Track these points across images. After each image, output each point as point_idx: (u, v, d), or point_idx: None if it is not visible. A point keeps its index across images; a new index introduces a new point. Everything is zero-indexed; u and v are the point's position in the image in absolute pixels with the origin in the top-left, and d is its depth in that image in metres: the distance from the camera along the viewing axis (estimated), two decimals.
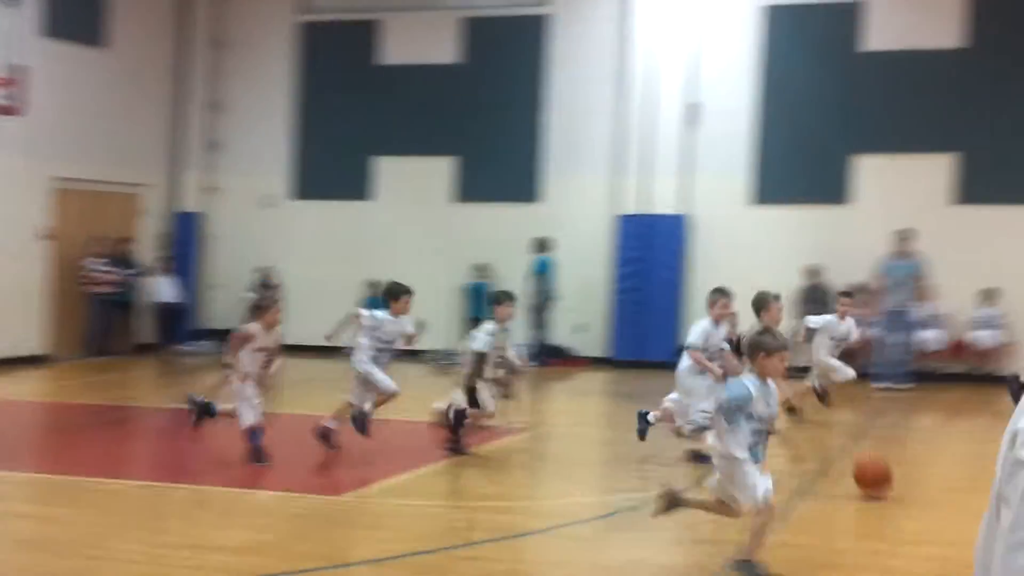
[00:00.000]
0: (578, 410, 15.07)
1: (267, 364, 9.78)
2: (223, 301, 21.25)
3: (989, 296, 17.47)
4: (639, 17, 19.30)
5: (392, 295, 10.45)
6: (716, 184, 18.95)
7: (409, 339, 10.56)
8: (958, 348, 17.54)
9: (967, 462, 11.20)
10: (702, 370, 10.10)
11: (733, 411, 6.50)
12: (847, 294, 13.46)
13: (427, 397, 12.28)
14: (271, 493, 8.95)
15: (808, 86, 18.69)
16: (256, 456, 9.60)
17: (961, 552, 7.68)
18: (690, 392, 10.15)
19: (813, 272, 18.02)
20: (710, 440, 6.82)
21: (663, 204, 19.14)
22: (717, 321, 10.19)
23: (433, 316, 20.02)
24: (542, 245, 18.97)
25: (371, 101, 20.66)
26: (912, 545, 7.89)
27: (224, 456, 10.64)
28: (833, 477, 9.89)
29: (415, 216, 20.49)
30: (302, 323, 20.72)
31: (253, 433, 9.63)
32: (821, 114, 18.60)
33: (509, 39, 20.20)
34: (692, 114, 19.11)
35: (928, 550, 7.77)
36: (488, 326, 10.28)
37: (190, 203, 21.55)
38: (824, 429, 13.34)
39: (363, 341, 10.30)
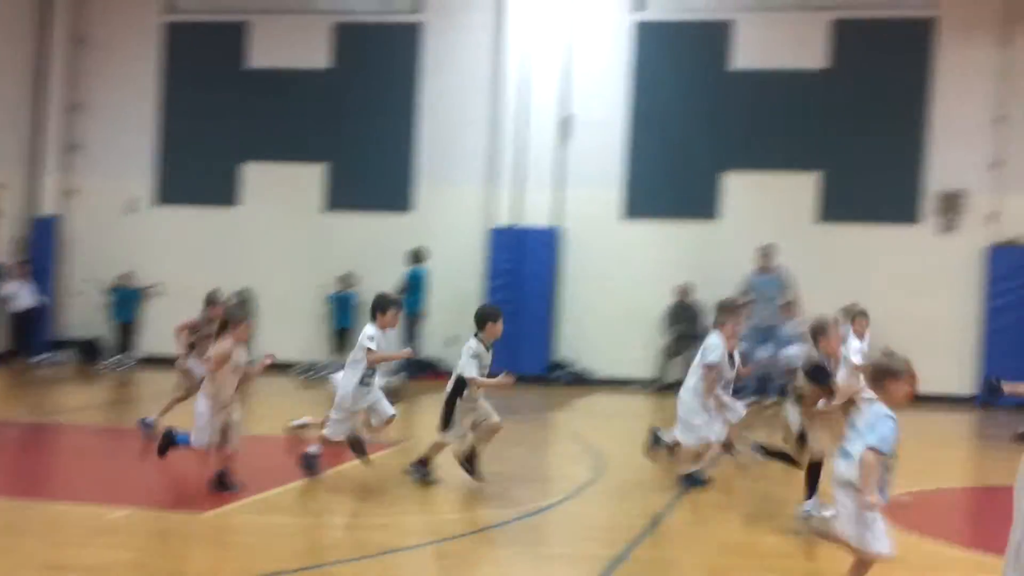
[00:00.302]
0: None
1: (240, 383, 9.25)
2: (81, 309, 20.61)
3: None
4: (512, 29, 19.33)
5: (380, 308, 9.73)
6: (588, 197, 19.10)
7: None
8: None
9: (828, 476, 11.39)
10: (710, 386, 9.86)
11: (889, 452, 5.89)
12: (863, 313, 12.72)
13: (292, 412, 12.03)
14: (131, 511, 8.61)
15: (679, 102, 18.97)
16: (163, 446, 9.29)
17: (824, 565, 7.81)
18: (690, 410, 9.94)
19: (684, 291, 18.28)
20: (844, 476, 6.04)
21: (536, 216, 19.18)
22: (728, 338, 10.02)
23: (300, 327, 19.89)
24: (416, 256, 18.81)
25: (239, 105, 20.29)
26: (778, 559, 7.98)
27: (81, 471, 10.25)
28: (701, 492, 9.96)
29: (284, 223, 20.16)
30: (166, 333, 20.20)
31: (177, 439, 9.26)
32: (691, 130, 18.89)
33: (381, 46, 20.03)
34: (565, 127, 19.22)
35: (793, 563, 7.87)
36: (474, 347, 9.49)
37: (48, 206, 20.82)
38: None
39: (350, 371, 9.66)
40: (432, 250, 18.92)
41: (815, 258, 17.93)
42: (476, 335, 9.54)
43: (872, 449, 5.81)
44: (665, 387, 18.17)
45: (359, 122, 19.96)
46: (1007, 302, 17.41)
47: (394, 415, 9.89)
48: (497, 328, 9.58)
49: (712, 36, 19.03)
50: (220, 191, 20.45)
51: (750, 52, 18.88)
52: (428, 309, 18.77)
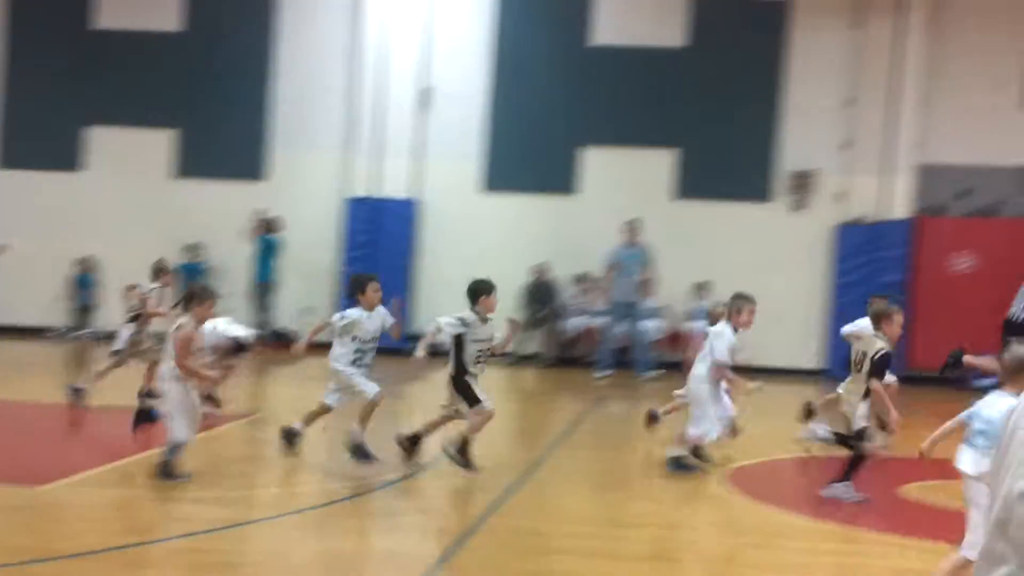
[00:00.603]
0: (302, 396, 14.60)
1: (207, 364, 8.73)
2: None
3: (702, 289, 18.18)
4: None
5: (358, 287, 9.29)
6: (447, 169, 18.95)
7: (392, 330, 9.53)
8: (675, 338, 18.15)
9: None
10: (717, 379, 9.55)
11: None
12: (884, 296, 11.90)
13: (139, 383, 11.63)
14: None
15: (539, 76, 18.94)
16: (167, 471, 8.46)
17: (675, 533, 7.88)
18: (700, 401, 9.64)
19: (541, 270, 18.30)
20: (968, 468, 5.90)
21: (394, 187, 18.95)
22: (737, 329, 9.60)
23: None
24: (270, 225, 18.41)
25: (85, 67, 19.56)
26: (630, 528, 8.01)
27: None
28: (555, 462, 9.95)
29: (130, 190, 19.51)
30: (6, 302, 19.41)
31: (176, 449, 8.52)
32: (551, 105, 18.88)
33: (235, 10, 19.54)
34: (424, 98, 19.01)
35: (645, 532, 7.91)
36: (467, 317, 9.12)
37: None
38: (549, 415, 13.47)
39: (340, 349, 9.26)
40: (287, 219, 18.54)
41: (671, 234, 18.07)
42: (472, 308, 9.20)
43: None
44: (521, 360, 18.22)
45: (211, 87, 19.41)
46: (853, 279, 17.87)
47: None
48: (491, 301, 9.24)
49: (572, 11, 19.03)
50: (64, 155, 19.67)
51: (610, 28, 18.94)
52: (281, 279, 18.42)
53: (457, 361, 9.17)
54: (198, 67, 19.43)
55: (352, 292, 9.36)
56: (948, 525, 8.51)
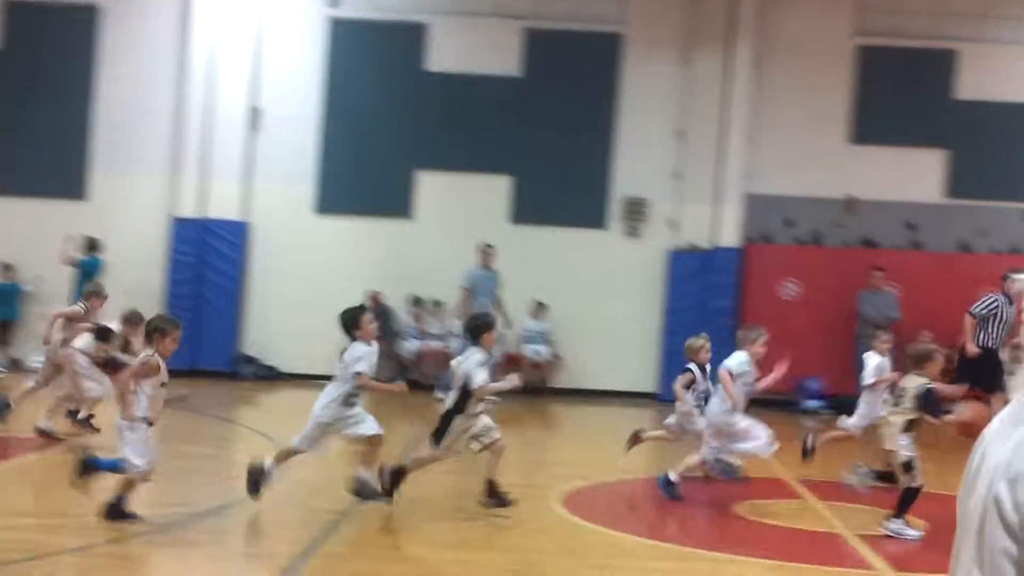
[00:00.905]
0: None
1: (163, 402, 7.99)
2: None
3: (539, 312, 18.23)
4: (199, 16, 18.48)
5: (352, 323, 8.67)
6: (278, 191, 18.55)
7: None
8: (512, 361, 18.09)
9: (520, 471, 11.41)
10: (734, 407, 9.63)
11: None
12: (883, 328, 11.30)
13: None
14: None
15: (373, 100, 18.73)
16: (117, 512, 7.82)
17: (519, 556, 7.75)
18: (723, 432, 9.67)
19: (376, 297, 17.92)
20: None
21: (222, 209, 18.43)
22: (754, 358, 9.80)
23: None
24: (92, 246, 17.63)
25: None
26: (473, 551, 7.85)
27: None
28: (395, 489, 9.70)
29: None
30: None
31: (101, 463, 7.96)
32: (385, 128, 18.69)
33: (58, 26, 18.77)
34: (254, 118, 18.59)
35: (488, 555, 7.76)
36: (477, 356, 8.64)
37: None
38: (386, 438, 13.18)
39: (336, 391, 8.65)
40: (110, 240, 17.77)
41: (508, 258, 17.94)
42: (474, 345, 8.79)
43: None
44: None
45: (31, 104, 18.56)
46: (684, 304, 18.14)
47: (379, 434, 8.87)
48: (493, 336, 9.06)
49: (407, 37, 18.89)
50: None
51: (444, 55, 18.85)
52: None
53: (460, 399, 8.73)
54: (18, 83, 18.60)
55: (347, 329, 8.74)
56: (783, 542, 8.63)
